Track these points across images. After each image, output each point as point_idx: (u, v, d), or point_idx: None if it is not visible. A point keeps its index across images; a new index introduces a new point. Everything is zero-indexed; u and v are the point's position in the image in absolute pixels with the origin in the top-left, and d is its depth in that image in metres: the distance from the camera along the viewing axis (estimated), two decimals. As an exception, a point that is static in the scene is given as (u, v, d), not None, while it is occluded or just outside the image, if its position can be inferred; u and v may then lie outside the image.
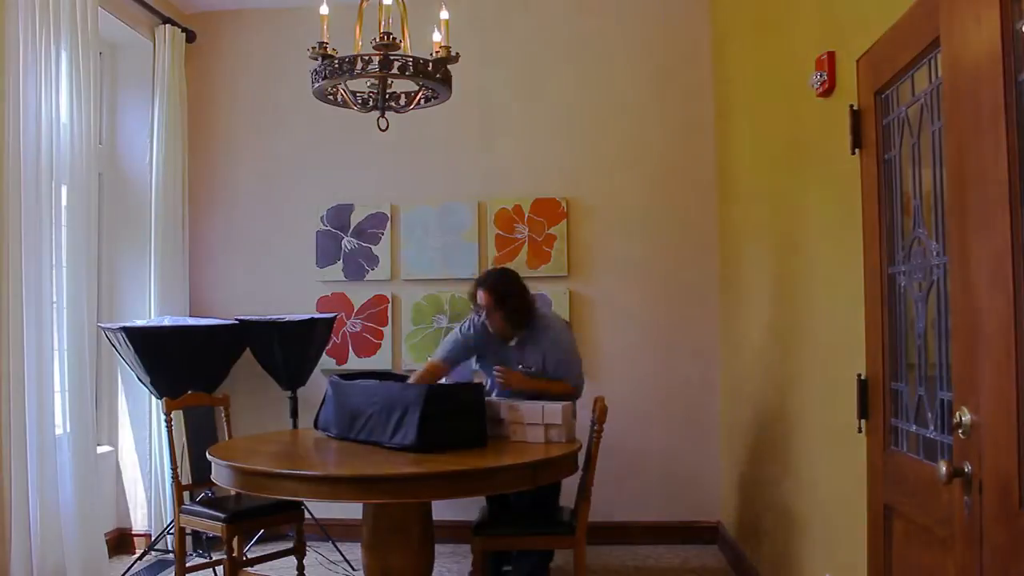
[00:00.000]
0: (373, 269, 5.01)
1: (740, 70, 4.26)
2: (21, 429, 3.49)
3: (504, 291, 3.62)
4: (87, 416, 3.93)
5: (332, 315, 4.82)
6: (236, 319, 4.61)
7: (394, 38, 3.01)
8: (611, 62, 4.97)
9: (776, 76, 3.51)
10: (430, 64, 3.07)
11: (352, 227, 5.03)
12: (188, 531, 3.91)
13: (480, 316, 3.72)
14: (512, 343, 3.73)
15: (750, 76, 4.03)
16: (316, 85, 3.12)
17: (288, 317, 4.63)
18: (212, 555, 4.22)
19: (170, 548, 4.30)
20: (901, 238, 2.24)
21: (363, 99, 3.31)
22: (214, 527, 3.54)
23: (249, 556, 4.03)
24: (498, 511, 3.75)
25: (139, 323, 4.37)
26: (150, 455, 4.56)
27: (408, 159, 5.03)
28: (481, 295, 3.65)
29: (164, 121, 4.70)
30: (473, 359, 3.92)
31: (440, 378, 3.76)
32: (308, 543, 4.08)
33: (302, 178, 5.11)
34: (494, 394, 3.79)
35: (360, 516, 3.31)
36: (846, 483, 2.63)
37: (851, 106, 2.49)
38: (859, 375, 2.44)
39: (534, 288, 4.82)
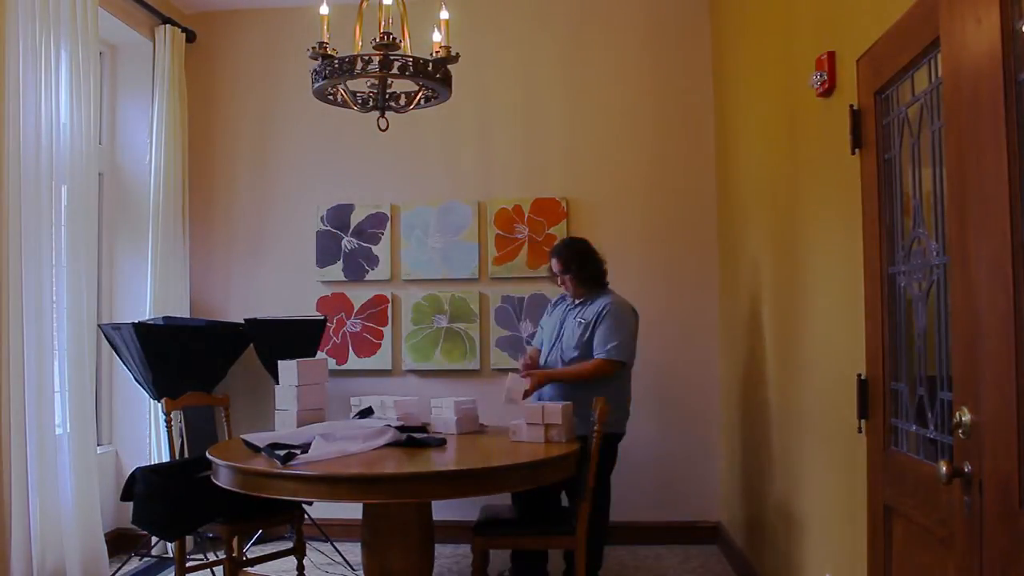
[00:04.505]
0: (373, 269, 5.01)
1: (740, 70, 4.25)
2: (21, 429, 3.49)
3: (569, 257, 3.89)
4: (87, 416, 3.94)
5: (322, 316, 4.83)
6: (244, 319, 4.61)
7: (394, 38, 3.01)
8: (611, 62, 4.97)
9: (776, 76, 3.51)
10: (430, 64, 3.07)
11: (352, 227, 5.03)
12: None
13: (558, 284, 4.02)
14: (577, 303, 3.95)
15: (750, 76, 4.03)
16: (316, 85, 3.12)
17: (297, 317, 4.65)
18: (212, 555, 4.22)
19: (169, 548, 4.30)
20: (901, 238, 2.24)
21: (363, 99, 3.31)
22: (213, 527, 3.54)
23: (249, 556, 4.03)
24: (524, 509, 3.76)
25: (147, 320, 4.38)
26: (150, 455, 4.56)
27: (408, 159, 5.03)
28: (554, 262, 3.95)
29: (164, 121, 4.70)
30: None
31: (537, 359, 4.03)
32: (308, 543, 4.08)
33: (302, 178, 5.11)
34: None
35: (360, 516, 3.31)
36: (846, 483, 2.63)
37: (851, 106, 2.49)
38: (859, 375, 2.44)
39: (534, 288, 4.84)
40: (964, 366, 1.72)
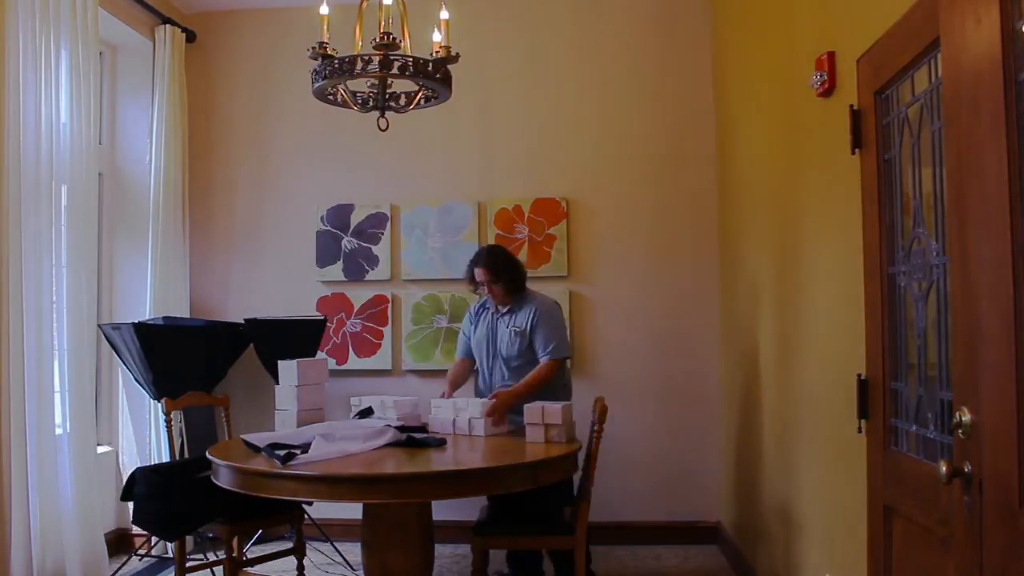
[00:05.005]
0: (373, 269, 5.01)
1: (740, 70, 4.26)
2: (21, 429, 3.49)
3: (499, 267, 3.83)
4: (87, 416, 3.94)
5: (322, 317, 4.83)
6: (244, 319, 4.61)
7: (394, 38, 3.01)
8: (611, 62, 4.97)
9: (776, 76, 3.51)
10: (430, 64, 3.07)
11: (352, 227, 5.03)
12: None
13: (477, 293, 3.98)
14: (503, 311, 3.92)
15: (750, 76, 4.03)
16: (316, 85, 3.12)
17: (297, 317, 4.66)
18: (212, 555, 4.22)
19: (169, 548, 4.30)
20: (901, 238, 2.25)
21: (363, 99, 3.32)
22: (213, 527, 3.54)
23: (249, 556, 4.03)
24: (498, 513, 3.74)
25: (147, 320, 4.39)
26: (150, 455, 4.56)
27: (408, 159, 5.03)
28: (479, 272, 3.84)
29: (164, 121, 4.70)
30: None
31: (468, 371, 4.12)
32: (308, 543, 4.08)
33: (302, 178, 5.11)
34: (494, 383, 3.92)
35: (360, 516, 3.31)
36: (846, 483, 2.63)
37: (851, 106, 2.49)
38: (859, 375, 2.44)
39: (535, 288, 4.83)
40: (964, 366, 1.72)
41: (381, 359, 4.97)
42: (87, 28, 3.96)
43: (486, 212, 4.97)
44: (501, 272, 3.84)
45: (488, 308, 4.00)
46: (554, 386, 3.79)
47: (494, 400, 3.67)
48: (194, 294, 5.05)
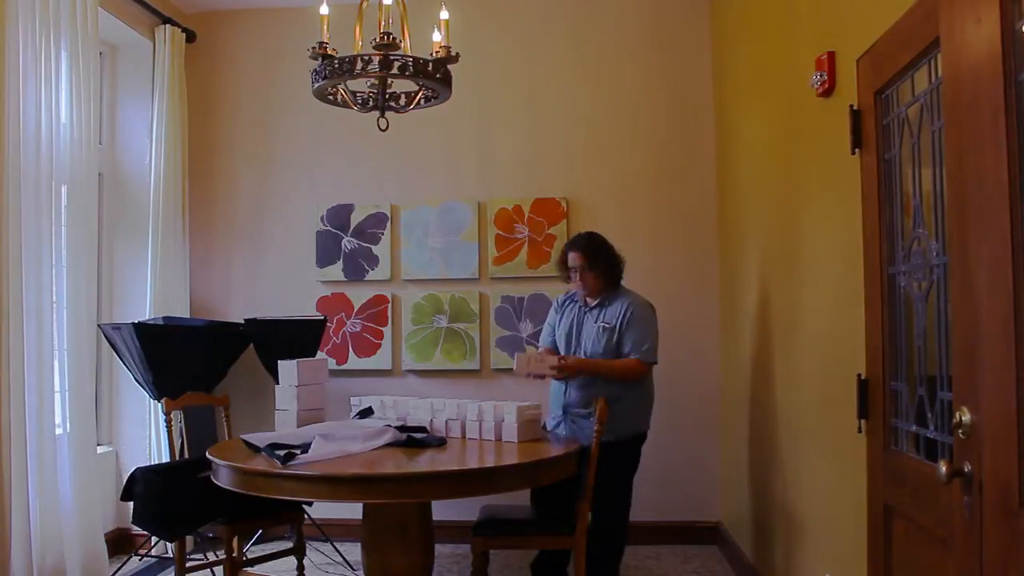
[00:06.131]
0: (373, 269, 5.01)
1: (740, 70, 4.26)
2: (21, 429, 3.48)
3: (595, 254, 3.62)
4: (87, 416, 3.94)
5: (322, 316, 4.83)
6: (244, 319, 4.61)
7: (394, 38, 3.01)
8: (611, 62, 4.97)
9: (776, 76, 3.51)
10: (430, 64, 3.07)
11: (352, 227, 5.03)
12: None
13: (572, 280, 3.72)
14: (592, 305, 3.71)
15: (750, 76, 4.03)
16: (316, 85, 3.12)
17: (297, 317, 4.67)
18: (212, 555, 4.22)
19: (169, 548, 4.30)
20: (901, 238, 2.25)
21: (363, 99, 3.32)
22: (213, 527, 3.53)
23: (249, 556, 4.03)
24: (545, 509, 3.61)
25: (147, 320, 4.39)
26: (150, 455, 4.56)
27: (408, 159, 5.03)
28: (573, 256, 3.64)
29: (164, 121, 4.70)
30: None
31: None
32: (308, 543, 4.08)
33: (302, 178, 5.11)
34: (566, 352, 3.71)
35: (360, 516, 3.31)
36: (846, 483, 2.63)
37: (851, 106, 2.49)
38: (859, 375, 2.44)
39: (534, 288, 4.84)
40: (964, 366, 1.72)
41: (381, 359, 4.97)
42: (87, 28, 3.96)
43: (486, 212, 4.97)
44: (599, 259, 3.61)
45: (575, 301, 3.78)
46: (635, 392, 3.61)
47: (563, 364, 3.55)
48: (194, 294, 5.05)
